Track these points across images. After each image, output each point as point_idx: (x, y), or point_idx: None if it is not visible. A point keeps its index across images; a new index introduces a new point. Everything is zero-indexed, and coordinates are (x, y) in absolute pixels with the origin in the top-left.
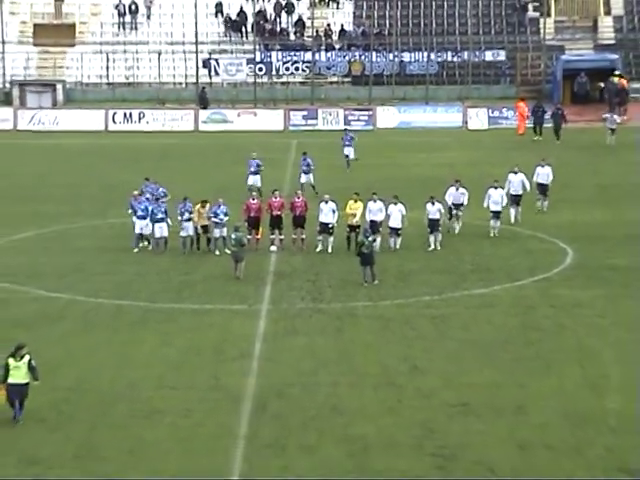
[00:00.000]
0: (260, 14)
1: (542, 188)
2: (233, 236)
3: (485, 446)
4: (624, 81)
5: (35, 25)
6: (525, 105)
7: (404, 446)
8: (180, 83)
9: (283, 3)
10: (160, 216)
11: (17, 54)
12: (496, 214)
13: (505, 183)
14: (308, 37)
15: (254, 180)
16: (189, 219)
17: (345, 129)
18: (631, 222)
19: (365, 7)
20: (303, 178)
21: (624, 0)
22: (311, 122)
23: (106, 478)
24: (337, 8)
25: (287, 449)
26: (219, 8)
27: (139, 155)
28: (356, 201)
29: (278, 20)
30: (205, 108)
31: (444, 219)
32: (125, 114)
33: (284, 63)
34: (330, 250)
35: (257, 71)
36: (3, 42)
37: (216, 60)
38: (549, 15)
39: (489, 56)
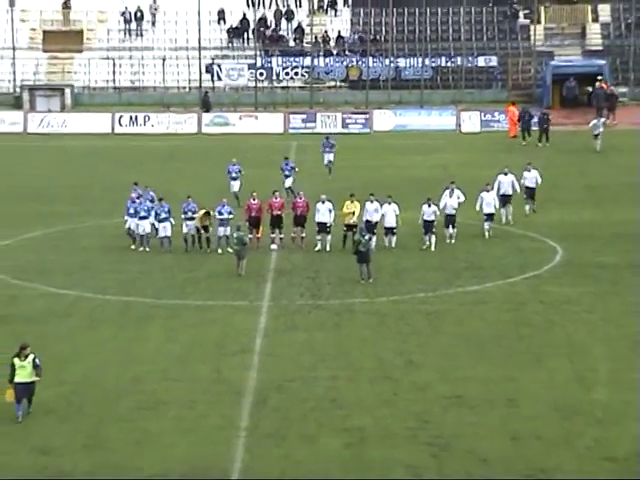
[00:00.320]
0: (261, 21)
1: (529, 192)
2: (235, 235)
3: (478, 437)
4: (605, 85)
5: (44, 32)
6: (516, 109)
7: (400, 437)
8: (184, 87)
9: (283, 11)
10: (164, 216)
11: (27, 60)
12: (489, 216)
13: (495, 184)
14: (307, 43)
15: (233, 185)
16: (191, 218)
17: (326, 136)
18: (618, 222)
19: (362, 14)
20: (287, 182)
21: (611, 8)
22: (310, 125)
23: (114, 467)
24: (335, 15)
25: (287, 439)
26: (221, 15)
27: (144, 157)
28: (352, 201)
29: (278, 27)
30: (208, 111)
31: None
32: (131, 117)
33: (284, 68)
34: (328, 248)
35: (258, 76)
36: (14, 48)
37: (219, 65)
38: (539, 22)
39: (481, 61)
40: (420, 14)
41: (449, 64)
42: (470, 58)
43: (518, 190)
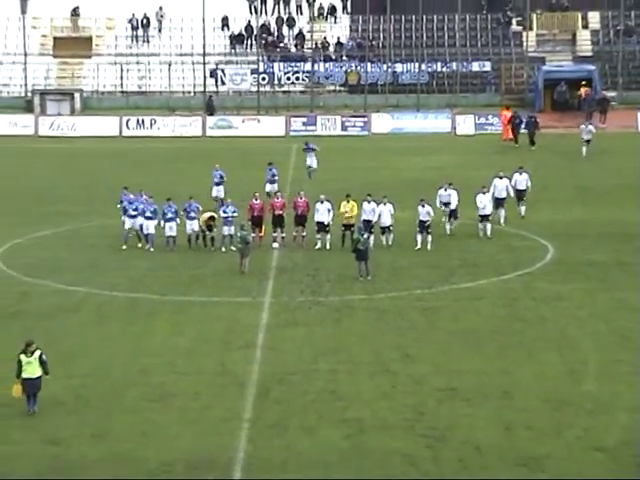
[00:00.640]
0: (263, 28)
1: (520, 194)
2: (239, 234)
3: (472, 428)
4: (588, 90)
5: (55, 38)
6: (510, 113)
7: (397, 428)
8: (189, 92)
9: (284, 18)
10: (170, 216)
11: (38, 65)
12: (485, 217)
13: (491, 187)
14: (308, 49)
15: (217, 191)
16: (194, 217)
17: (306, 142)
18: (607, 221)
19: (360, 21)
20: (268, 187)
21: (600, 15)
22: (310, 128)
23: (121, 457)
24: (334, 22)
25: (289, 431)
26: (225, 22)
27: (151, 158)
28: (348, 201)
29: (280, 33)
30: (212, 115)
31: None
32: (138, 120)
33: (285, 73)
34: (328, 247)
35: (260, 80)
36: (25, 54)
37: (222, 70)
38: (531, 29)
39: (476, 67)
40: (416, 21)
41: (444, 69)
42: (465, 63)
43: (512, 194)
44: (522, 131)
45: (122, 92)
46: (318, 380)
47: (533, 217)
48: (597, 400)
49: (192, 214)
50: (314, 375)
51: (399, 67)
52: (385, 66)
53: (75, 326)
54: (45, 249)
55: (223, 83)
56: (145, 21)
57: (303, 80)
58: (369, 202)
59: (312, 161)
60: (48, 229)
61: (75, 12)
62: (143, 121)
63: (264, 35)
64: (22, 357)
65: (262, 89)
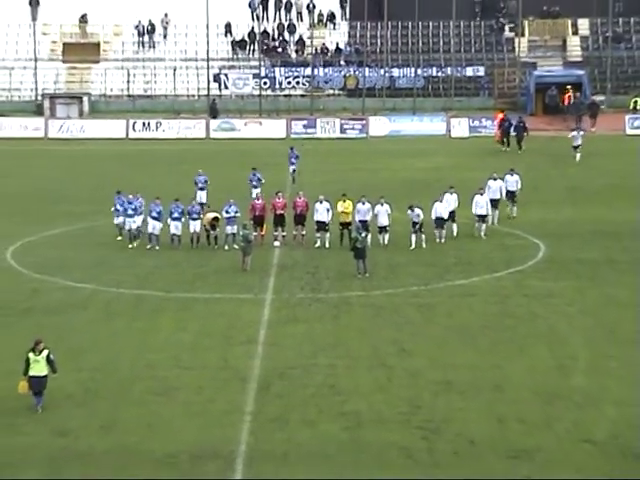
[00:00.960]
0: (265, 34)
1: (511, 195)
2: (241, 233)
3: (466, 420)
4: (571, 94)
5: (64, 44)
6: (503, 116)
7: (393, 421)
8: (193, 95)
9: (285, 24)
10: (176, 215)
11: (48, 70)
12: (482, 217)
13: (486, 188)
14: (308, 54)
15: (200, 196)
16: (196, 218)
17: (291, 147)
18: (597, 220)
19: (358, 28)
20: (253, 193)
21: (590, 22)
22: (310, 130)
23: (127, 448)
24: (334, 29)
25: (289, 424)
26: (228, 29)
27: (156, 160)
28: (344, 201)
29: (281, 39)
30: (215, 118)
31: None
32: (144, 123)
33: (286, 77)
34: (327, 245)
35: (262, 85)
36: (35, 59)
37: (225, 75)
38: (523, 35)
39: (470, 71)
40: (413, 27)
41: (440, 74)
42: (459, 68)
43: (504, 196)
44: (513, 134)
45: (129, 96)
46: (317, 374)
47: (525, 217)
48: (586, 394)
49: (195, 215)
50: (314, 370)
51: (396, 72)
52: (382, 71)
53: (83, 322)
54: (55, 247)
55: (226, 87)
56: (151, 27)
57: (303, 84)
58: (364, 203)
59: (294, 167)
60: (57, 228)
61: (83, 19)
62: (149, 124)
63: (266, 41)
64: (30, 355)
65: (264, 93)
